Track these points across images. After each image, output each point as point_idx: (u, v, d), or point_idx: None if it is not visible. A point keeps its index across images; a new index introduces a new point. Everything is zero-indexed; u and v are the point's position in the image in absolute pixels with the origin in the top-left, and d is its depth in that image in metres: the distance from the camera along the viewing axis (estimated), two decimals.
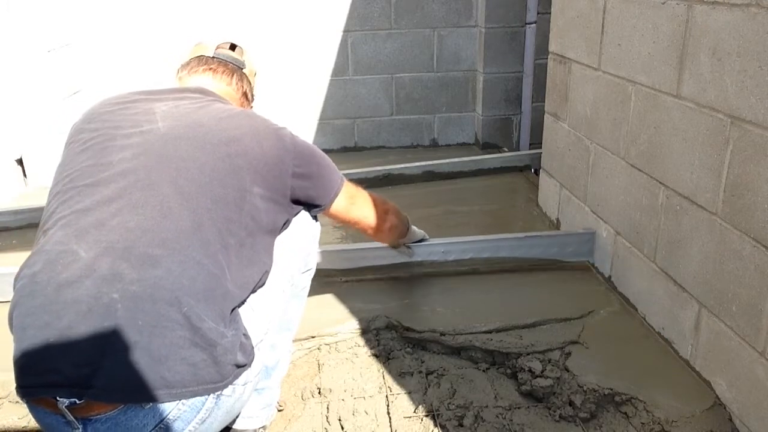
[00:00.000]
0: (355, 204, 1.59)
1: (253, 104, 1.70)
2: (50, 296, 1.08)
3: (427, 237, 2.18)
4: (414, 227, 2.05)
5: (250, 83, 1.65)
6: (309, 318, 1.89)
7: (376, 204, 1.67)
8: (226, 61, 1.59)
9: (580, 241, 2.25)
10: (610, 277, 2.15)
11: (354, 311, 2.01)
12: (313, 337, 1.90)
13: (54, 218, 1.20)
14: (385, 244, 2.09)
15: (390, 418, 1.62)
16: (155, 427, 1.08)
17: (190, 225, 1.17)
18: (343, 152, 3.87)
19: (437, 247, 2.18)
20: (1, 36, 3.03)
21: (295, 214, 1.44)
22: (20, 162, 3.24)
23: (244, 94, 1.63)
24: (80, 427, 1.06)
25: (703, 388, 1.65)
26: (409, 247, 2.14)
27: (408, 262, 2.17)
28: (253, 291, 1.28)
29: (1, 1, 3.01)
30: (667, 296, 1.81)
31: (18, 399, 1.12)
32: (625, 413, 1.61)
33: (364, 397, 1.69)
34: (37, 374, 1.06)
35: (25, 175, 3.27)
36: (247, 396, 1.25)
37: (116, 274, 1.09)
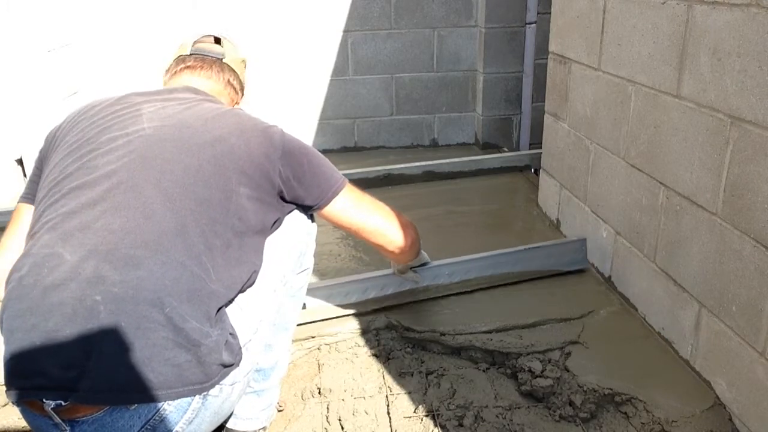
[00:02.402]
0: (360, 209, 1.49)
1: (243, 92, 1.66)
2: (36, 299, 1.08)
3: (429, 260, 2.05)
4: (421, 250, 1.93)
5: (234, 71, 1.61)
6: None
7: (395, 214, 1.56)
8: (203, 55, 1.57)
9: (574, 248, 2.26)
10: (610, 277, 2.15)
11: (354, 311, 2.01)
12: (313, 337, 1.90)
13: (41, 222, 1.20)
14: (390, 272, 1.99)
15: (390, 418, 1.62)
16: (141, 428, 1.08)
17: (173, 226, 1.17)
18: (343, 152, 3.86)
19: (442, 269, 2.07)
20: (1, 36, 3.03)
21: (288, 213, 1.41)
22: (20, 162, 3.24)
23: (228, 83, 1.59)
24: (67, 429, 1.06)
25: (703, 388, 1.65)
26: (416, 272, 2.02)
27: (414, 288, 2.04)
28: (242, 290, 1.27)
29: (1, 1, 3.01)
30: (667, 296, 1.81)
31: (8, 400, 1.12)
32: (625, 413, 1.61)
33: (364, 397, 1.69)
34: (24, 376, 1.06)
35: (25, 175, 3.27)
36: (236, 396, 1.24)
37: (99, 277, 1.09)
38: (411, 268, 2.00)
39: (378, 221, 1.54)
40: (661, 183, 1.80)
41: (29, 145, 3.23)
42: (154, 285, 1.10)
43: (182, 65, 1.56)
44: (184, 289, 1.12)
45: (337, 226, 1.53)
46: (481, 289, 2.13)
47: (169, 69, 1.59)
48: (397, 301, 2.04)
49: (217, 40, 1.63)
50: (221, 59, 1.59)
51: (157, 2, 3.55)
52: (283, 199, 1.38)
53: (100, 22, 3.56)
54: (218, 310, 1.18)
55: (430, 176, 3.23)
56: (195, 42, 1.61)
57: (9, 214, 2.76)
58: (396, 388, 1.73)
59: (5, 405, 1.67)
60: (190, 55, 1.58)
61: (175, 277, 1.12)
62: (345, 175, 1.50)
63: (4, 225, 2.77)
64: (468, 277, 2.12)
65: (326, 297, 1.99)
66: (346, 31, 3.68)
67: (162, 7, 3.56)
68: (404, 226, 1.60)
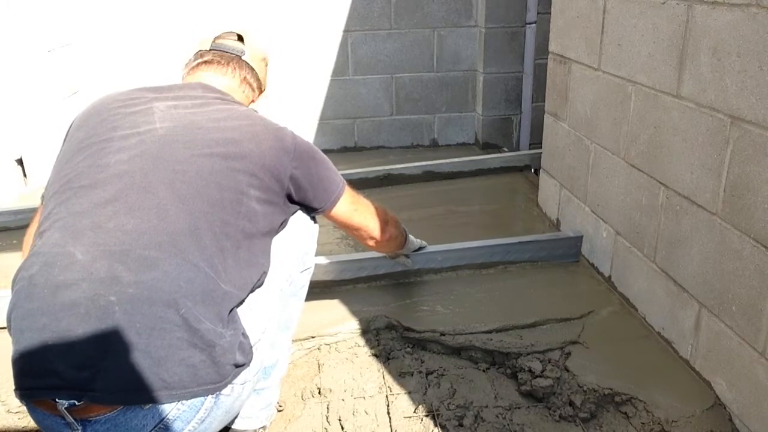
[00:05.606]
0: (358, 210, 1.58)
1: (262, 91, 1.62)
2: (47, 299, 1.08)
3: (425, 244, 2.18)
4: (412, 237, 2.03)
5: (252, 68, 1.57)
6: (309, 318, 1.89)
7: (378, 213, 1.66)
8: (222, 51, 1.54)
9: (569, 244, 2.34)
10: (610, 277, 2.15)
11: (354, 311, 2.01)
12: (313, 337, 1.90)
13: (50, 220, 1.20)
14: (382, 254, 2.07)
15: (390, 418, 1.62)
16: (155, 427, 1.09)
17: (186, 228, 1.17)
18: (343, 152, 3.87)
19: (434, 255, 2.20)
20: (1, 36, 3.03)
21: (293, 213, 1.43)
22: (20, 162, 3.24)
23: (245, 80, 1.55)
24: (80, 428, 1.07)
25: (703, 388, 1.65)
26: (407, 257, 2.13)
27: (406, 270, 2.18)
28: (252, 291, 1.28)
29: (1, 1, 3.01)
30: (667, 296, 1.81)
31: (18, 400, 1.12)
32: (625, 413, 1.61)
33: (364, 397, 1.69)
34: (36, 376, 1.06)
35: (25, 175, 3.27)
36: (246, 395, 1.26)
37: (113, 277, 1.09)
38: (405, 254, 2.11)
39: (371, 222, 1.63)
40: (661, 183, 1.80)
41: (29, 145, 3.23)
42: (169, 286, 1.10)
43: (200, 60, 1.54)
44: (198, 290, 1.13)
45: (337, 224, 1.61)
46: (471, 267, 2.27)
47: (188, 63, 1.57)
48: (389, 280, 2.19)
49: (240, 38, 1.60)
50: (240, 56, 1.56)
51: (157, 2, 3.55)
52: (290, 200, 1.39)
53: (101, 22, 3.56)
54: (230, 311, 1.18)
55: (430, 176, 3.23)
56: (216, 38, 1.58)
57: (9, 214, 2.79)
58: (396, 388, 1.73)
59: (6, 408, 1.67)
60: (209, 50, 1.55)
61: (190, 278, 1.13)
62: (345, 175, 1.58)
63: (5, 225, 2.79)
64: (459, 264, 2.25)
65: (323, 273, 2.13)
66: (346, 31, 3.68)
67: (162, 6, 3.56)
68: (386, 223, 1.70)
